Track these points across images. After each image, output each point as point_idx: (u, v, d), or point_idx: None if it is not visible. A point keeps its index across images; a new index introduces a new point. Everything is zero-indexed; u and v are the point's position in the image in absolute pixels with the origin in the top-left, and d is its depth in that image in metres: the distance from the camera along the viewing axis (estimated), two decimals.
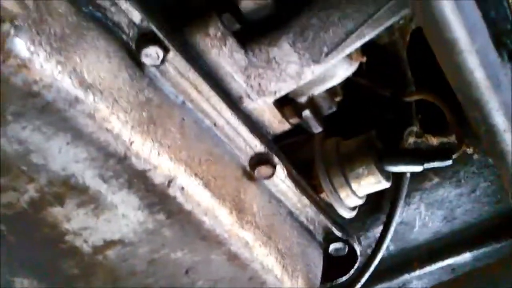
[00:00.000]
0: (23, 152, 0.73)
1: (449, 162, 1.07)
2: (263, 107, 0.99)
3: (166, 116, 0.84)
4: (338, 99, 1.12)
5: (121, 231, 0.86)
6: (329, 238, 1.18)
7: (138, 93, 0.80)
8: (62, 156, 0.75)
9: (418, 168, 1.10)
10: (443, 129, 1.25)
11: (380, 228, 1.41)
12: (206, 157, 0.90)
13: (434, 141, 1.24)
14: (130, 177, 0.80)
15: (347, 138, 1.18)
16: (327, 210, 1.14)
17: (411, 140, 1.22)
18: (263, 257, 0.98)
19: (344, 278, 1.25)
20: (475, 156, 1.31)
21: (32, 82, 0.67)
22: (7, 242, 0.83)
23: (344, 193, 1.11)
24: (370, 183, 1.11)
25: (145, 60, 0.79)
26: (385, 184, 1.12)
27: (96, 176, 0.78)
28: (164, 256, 0.93)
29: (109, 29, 0.78)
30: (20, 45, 0.65)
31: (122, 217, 0.85)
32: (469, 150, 1.10)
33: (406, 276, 1.54)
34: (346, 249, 1.18)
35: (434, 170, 1.37)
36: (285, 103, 1.03)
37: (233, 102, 0.94)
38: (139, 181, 0.81)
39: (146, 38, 0.79)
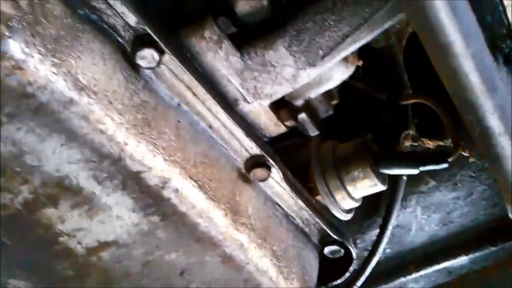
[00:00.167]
0: (17, 153, 0.73)
1: (445, 165, 1.07)
2: (258, 110, 0.99)
3: (161, 118, 0.84)
4: (334, 102, 1.12)
5: (115, 232, 0.87)
6: (325, 240, 1.18)
7: (133, 95, 0.80)
8: (56, 158, 0.75)
9: (414, 171, 1.10)
10: (439, 133, 1.25)
11: (377, 231, 1.41)
12: (201, 159, 0.90)
13: (430, 144, 1.24)
14: (125, 179, 0.80)
15: (343, 141, 1.18)
16: (322, 212, 1.14)
17: (407, 143, 1.22)
18: (258, 259, 0.99)
19: (339, 281, 1.25)
20: (472, 160, 1.31)
21: (26, 83, 0.67)
22: (1, 244, 0.83)
23: (339, 196, 1.11)
24: (366, 186, 1.11)
25: (141, 62, 0.80)
26: (381, 187, 1.12)
27: (90, 177, 0.79)
28: (159, 258, 0.93)
29: (105, 31, 0.78)
30: (15, 47, 0.66)
31: (116, 219, 0.85)
32: (466, 154, 1.10)
33: (403, 279, 1.54)
34: (342, 252, 1.18)
35: (431, 173, 1.38)
36: (281, 106, 1.03)
37: (228, 104, 0.94)
38: (133, 182, 0.81)
39: (141, 41, 0.79)
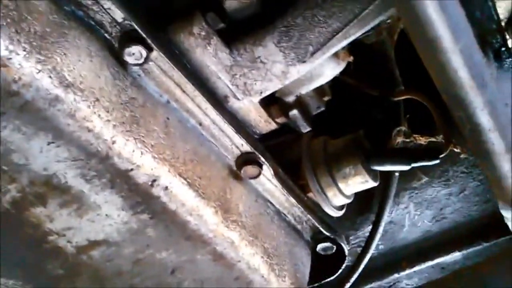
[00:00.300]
0: (3, 152, 0.72)
1: (437, 161, 1.07)
2: (248, 107, 0.98)
3: (150, 116, 0.83)
4: (326, 98, 1.12)
5: (105, 231, 0.86)
6: (317, 237, 1.18)
7: (121, 92, 0.79)
8: (44, 156, 0.74)
9: (405, 168, 1.10)
10: (431, 129, 1.25)
11: (370, 227, 1.41)
12: (191, 157, 0.89)
13: (422, 140, 1.24)
14: (113, 177, 0.79)
15: (335, 137, 1.18)
16: (314, 209, 1.14)
17: (399, 139, 1.22)
18: (249, 256, 0.98)
19: (332, 277, 1.24)
20: (464, 156, 1.32)
21: (11, 81, 0.66)
22: None
23: (331, 193, 1.11)
24: (357, 182, 1.10)
25: (128, 59, 0.79)
26: (372, 184, 1.11)
27: (78, 176, 0.78)
28: (149, 256, 0.92)
29: (91, 28, 0.77)
30: None
31: (106, 217, 0.84)
32: (457, 150, 1.10)
33: (396, 275, 1.54)
34: (334, 248, 1.18)
35: (423, 169, 1.38)
36: (271, 103, 1.02)
37: (218, 101, 0.94)
38: (122, 180, 0.80)
39: (129, 37, 0.78)
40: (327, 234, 1.16)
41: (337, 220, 1.22)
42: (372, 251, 1.39)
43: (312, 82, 1.01)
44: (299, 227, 1.16)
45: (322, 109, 1.11)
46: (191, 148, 0.90)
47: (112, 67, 0.79)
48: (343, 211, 1.19)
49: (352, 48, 0.99)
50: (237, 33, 0.90)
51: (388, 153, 1.15)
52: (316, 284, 1.25)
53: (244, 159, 0.98)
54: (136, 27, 0.77)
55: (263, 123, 1.02)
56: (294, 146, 1.14)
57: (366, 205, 1.46)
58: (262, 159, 0.99)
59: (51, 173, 0.76)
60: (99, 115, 0.74)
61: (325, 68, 0.99)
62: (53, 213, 0.81)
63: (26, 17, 0.68)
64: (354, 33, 0.87)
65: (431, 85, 0.80)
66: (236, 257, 0.96)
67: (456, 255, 1.48)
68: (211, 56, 0.88)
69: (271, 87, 0.93)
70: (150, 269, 0.94)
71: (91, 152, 0.76)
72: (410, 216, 1.46)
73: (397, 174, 1.32)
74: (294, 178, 1.10)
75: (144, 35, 0.78)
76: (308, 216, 1.13)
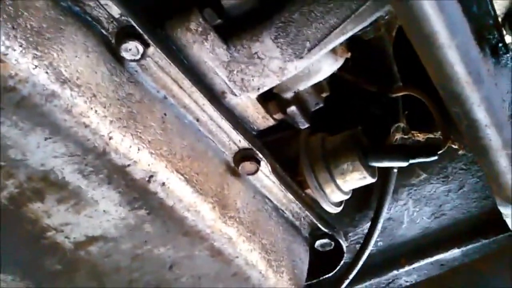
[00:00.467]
0: (1, 147, 0.72)
1: (435, 158, 1.07)
2: (246, 103, 0.98)
3: (147, 111, 0.84)
4: (324, 94, 1.12)
5: (102, 227, 0.86)
6: (315, 233, 1.18)
7: (118, 88, 0.79)
8: (41, 152, 0.74)
9: (403, 164, 1.10)
10: (429, 125, 1.24)
11: (369, 224, 1.41)
12: (188, 153, 0.89)
13: (421, 137, 1.24)
14: (110, 173, 0.79)
15: (333, 133, 1.18)
16: (312, 205, 1.14)
17: (398, 136, 1.22)
18: (247, 252, 0.98)
19: (330, 274, 1.25)
20: (463, 152, 1.31)
21: (7, 76, 0.66)
22: None
23: (329, 189, 1.11)
24: (355, 178, 1.10)
25: (125, 54, 0.79)
26: (370, 180, 1.11)
27: (75, 171, 0.78)
28: (147, 252, 0.92)
29: (88, 23, 0.77)
30: None
31: (104, 213, 0.84)
32: (455, 146, 1.10)
33: (395, 272, 1.54)
34: (332, 245, 1.18)
35: (422, 166, 1.38)
36: (269, 99, 1.02)
37: (215, 97, 0.94)
38: (119, 176, 0.80)
39: (125, 33, 0.78)
40: (325, 230, 1.16)
41: (336, 216, 1.22)
42: (370, 247, 1.39)
43: (310, 78, 1.01)
44: (297, 223, 1.16)
45: (321, 105, 1.10)
46: (188, 144, 0.90)
47: (109, 62, 0.79)
48: (341, 207, 1.19)
49: (350, 44, 0.99)
50: (234, 29, 0.89)
51: (386, 150, 1.15)
52: (314, 281, 1.26)
53: (242, 155, 0.98)
54: (133, 23, 0.77)
55: (260, 119, 1.02)
56: (292, 142, 1.14)
57: (365, 202, 1.46)
58: (260, 155, 0.99)
59: (48, 168, 0.76)
60: (95, 111, 0.74)
61: (323, 64, 0.98)
62: (51, 209, 0.81)
63: (23, 13, 0.68)
64: (352, 29, 0.87)
65: (429, 81, 0.80)
66: (233, 253, 0.97)
67: (455, 252, 1.48)
68: (208, 52, 0.88)
69: (268, 83, 0.93)
70: (148, 264, 0.94)
71: (88, 148, 0.76)
72: (409, 213, 1.46)
73: (395, 170, 1.32)
74: (292, 175, 1.10)
75: (141, 31, 0.78)
76: (306, 212, 1.13)
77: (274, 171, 1.03)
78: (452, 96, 0.76)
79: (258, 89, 0.93)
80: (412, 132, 1.25)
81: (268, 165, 1.01)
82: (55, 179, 0.78)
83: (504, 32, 0.92)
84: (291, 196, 1.09)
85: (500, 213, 1.04)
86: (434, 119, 1.10)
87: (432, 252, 1.49)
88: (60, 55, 0.71)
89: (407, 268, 1.52)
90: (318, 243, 1.18)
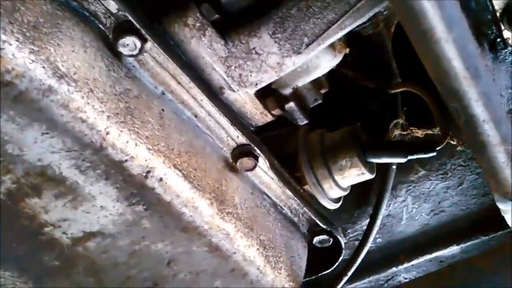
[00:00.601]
0: None
1: (433, 154, 1.07)
2: (244, 98, 0.98)
3: (145, 107, 0.83)
4: (323, 90, 1.11)
5: (100, 222, 0.86)
6: (314, 230, 1.18)
7: (115, 83, 0.79)
8: (38, 147, 0.74)
9: (401, 160, 1.10)
10: (428, 121, 1.24)
11: (368, 220, 1.41)
12: (186, 149, 0.89)
13: (419, 133, 1.24)
14: (107, 168, 0.79)
15: (332, 130, 1.17)
16: (311, 202, 1.14)
17: (396, 132, 1.22)
18: (244, 248, 0.98)
19: (329, 270, 1.25)
20: (461, 148, 1.31)
21: (4, 71, 0.66)
22: None
23: (327, 185, 1.11)
24: (353, 174, 1.10)
25: (122, 50, 0.79)
26: (368, 176, 1.11)
27: (72, 166, 0.78)
28: (145, 248, 0.92)
29: (85, 18, 0.77)
30: None
31: (101, 209, 0.84)
32: (454, 142, 1.10)
33: (394, 269, 1.55)
34: (331, 241, 1.18)
35: (421, 162, 1.37)
36: (267, 95, 1.02)
37: (213, 93, 0.94)
38: (116, 172, 0.80)
39: (123, 28, 0.78)
40: (324, 226, 1.16)
41: (335, 213, 1.22)
42: (369, 244, 1.39)
43: (309, 74, 1.01)
44: (295, 219, 1.16)
45: (319, 101, 1.10)
46: (186, 140, 0.90)
47: (107, 58, 0.79)
48: (340, 203, 1.19)
49: (348, 40, 0.99)
50: (232, 24, 0.89)
51: (384, 146, 1.15)
52: (313, 277, 1.26)
53: (240, 151, 0.98)
54: (130, 18, 0.77)
55: (259, 115, 1.02)
56: (290, 138, 1.14)
57: (364, 198, 1.46)
58: (258, 151, 0.99)
59: (45, 164, 0.76)
60: (93, 106, 0.74)
61: (321, 60, 0.98)
62: (49, 204, 0.81)
63: (19, 8, 0.68)
64: (350, 25, 0.87)
65: (428, 78, 0.80)
66: (231, 249, 0.97)
67: (454, 249, 1.48)
68: (206, 47, 0.88)
69: (266, 79, 0.93)
70: (146, 260, 0.94)
71: (85, 143, 0.76)
72: (408, 209, 1.46)
73: (394, 167, 1.32)
74: (290, 171, 1.10)
75: (138, 26, 0.78)
76: (305, 208, 1.13)
77: (272, 167, 1.03)
78: (449, 92, 0.76)
79: (256, 84, 0.93)
80: (411, 128, 1.25)
81: (266, 161, 1.01)
82: (52, 175, 0.78)
83: (503, 27, 0.91)
84: (289, 192, 1.09)
85: (499, 210, 1.03)
86: (433, 115, 1.10)
87: (431, 249, 1.49)
88: (57, 50, 0.71)
89: (406, 265, 1.52)
90: (316, 239, 1.18)
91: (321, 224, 1.16)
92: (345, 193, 1.16)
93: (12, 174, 0.76)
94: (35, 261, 0.89)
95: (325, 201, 1.13)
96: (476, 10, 0.75)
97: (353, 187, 1.19)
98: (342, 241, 1.18)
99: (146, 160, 0.81)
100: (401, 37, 1.14)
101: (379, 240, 1.52)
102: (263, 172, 1.04)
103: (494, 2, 0.78)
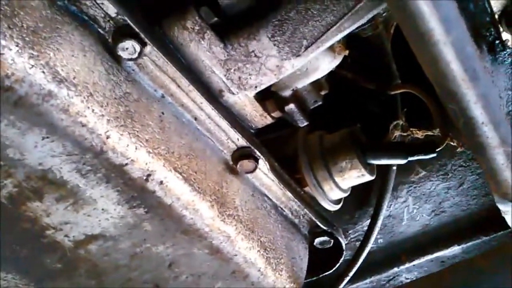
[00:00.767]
0: None
1: (433, 155, 1.07)
2: (244, 101, 0.98)
3: (145, 110, 0.84)
4: (323, 92, 1.12)
5: (101, 225, 0.86)
6: (314, 231, 1.18)
7: (115, 87, 0.79)
8: (39, 151, 0.74)
9: (401, 162, 1.10)
10: (428, 122, 1.25)
11: (369, 221, 1.41)
12: (186, 152, 0.90)
13: (419, 134, 1.24)
14: (108, 172, 0.80)
15: (332, 131, 1.18)
16: (311, 203, 1.14)
17: (396, 133, 1.22)
18: (245, 250, 0.98)
19: (330, 272, 1.25)
20: (462, 149, 1.31)
21: (3, 76, 0.67)
22: None
23: (327, 187, 1.11)
24: (353, 176, 1.10)
25: (122, 54, 0.79)
26: (368, 177, 1.12)
27: (73, 170, 0.78)
28: (146, 250, 0.93)
29: (85, 22, 0.77)
30: None
31: (102, 212, 0.84)
32: (453, 143, 1.10)
33: (395, 269, 1.55)
34: (332, 242, 1.18)
35: (421, 163, 1.38)
36: (267, 97, 1.02)
37: (213, 96, 0.94)
38: (117, 175, 0.80)
39: (122, 32, 0.78)
40: (324, 228, 1.16)
41: (336, 214, 1.22)
42: (371, 245, 1.39)
43: (308, 76, 1.01)
44: (296, 221, 1.16)
45: (319, 103, 1.10)
46: (186, 143, 0.90)
47: (106, 62, 0.79)
48: (340, 205, 1.19)
49: (348, 41, 0.99)
50: (231, 27, 0.90)
51: (384, 147, 1.15)
52: (314, 278, 1.26)
53: (240, 154, 0.98)
54: (129, 21, 0.77)
55: (258, 117, 1.02)
56: (290, 140, 1.15)
57: (365, 199, 1.46)
58: (258, 153, 0.99)
59: (46, 168, 0.76)
60: (93, 110, 0.75)
61: (321, 62, 0.99)
62: (50, 208, 0.82)
63: (19, 12, 0.68)
64: (349, 27, 0.87)
65: (427, 79, 0.80)
66: (232, 251, 0.97)
67: (455, 249, 1.48)
68: (205, 51, 0.88)
69: (266, 81, 0.93)
70: (147, 263, 0.95)
71: (86, 147, 0.76)
72: (408, 210, 1.46)
73: (394, 168, 1.32)
74: (290, 172, 1.10)
75: (137, 30, 0.78)
76: (305, 210, 1.13)
77: (272, 169, 1.04)
78: (448, 94, 0.76)
79: (256, 87, 0.93)
80: (411, 129, 1.26)
81: (267, 163, 1.01)
82: (53, 178, 0.78)
83: (501, 29, 0.91)
84: (289, 194, 1.09)
85: (499, 210, 1.03)
86: (433, 117, 1.10)
87: (432, 249, 1.49)
88: (56, 54, 0.71)
89: (407, 265, 1.53)
90: (317, 240, 1.18)
91: (321, 226, 1.16)
92: (345, 195, 1.16)
93: (13, 178, 0.77)
94: (37, 264, 0.90)
95: (325, 203, 1.13)
96: (475, 12, 0.75)
97: (354, 188, 1.20)
98: (343, 242, 1.18)
99: (146, 164, 0.82)
100: (401, 39, 1.15)
101: (380, 240, 1.52)
102: (264, 174, 1.05)
103: (493, 4, 0.78)
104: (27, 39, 0.68)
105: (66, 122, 0.73)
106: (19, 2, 0.68)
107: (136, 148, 0.80)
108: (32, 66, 0.68)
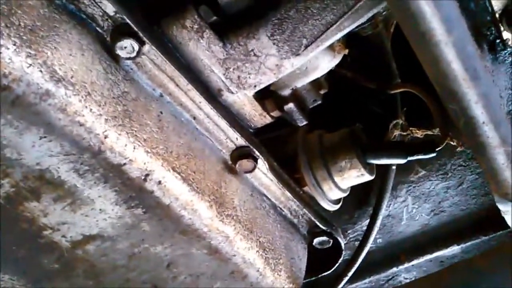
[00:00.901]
0: None
1: (433, 154, 1.07)
2: (243, 100, 0.98)
3: (143, 110, 0.83)
4: (323, 91, 1.11)
5: (99, 225, 0.86)
6: (313, 231, 1.18)
7: (113, 86, 0.79)
8: (36, 151, 0.74)
9: (401, 161, 1.09)
10: (428, 122, 1.24)
11: (368, 221, 1.41)
12: (184, 151, 0.89)
13: (419, 133, 1.24)
14: (106, 171, 0.79)
15: (331, 131, 1.17)
16: (310, 203, 1.14)
17: (396, 133, 1.22)
18: (244, 251, 0.98)
19: (329, 272, 1.24)
20: (461, 149, 1.31)
21: (1, 75, 0.66)
22: None
23: (326, 186, 1.11)
24: (353, 176, 1.10)
25: (120, 53, 0.79)
26: (368, 177, 1.11)
27: (71, 170, 0.78)
28: (145, 251, 0.92)
29: (83, 21, 0.77)
30: None
31: (100, 212, 0.84)
32: (453, 143, 1.10)
33: (394, 269, 1.55)
34: (331, 242, 1.18)
35: (421, 163, 1.37)
36: (266, 96, 1.02)
37: (212, 95, 0.94)
38: (115, 175, 0.80)
39: (120, 31, 0.78)
40: (323, 228, 1.16)
41: (335, 213, 1.22)
42: (370, 244, 1.39)
43: (308, 75, 1.01)
44: (295, 221, 1.16)
45: (319, 102, 1.10)
46: (185, 142, 0.90)
47: (104, 61, 0.79)
48: (339, 205, 1.19)
49: (348, 40, 0.99)
50: (230, 26, 0.89)
51: (384, 147, 1.15)
52: (313, 278, 1.26)
53: (239, 153, 0.98)
54: (128, 20, 0.77)
55: (257, 116, 1.02)
56: (289, 140, 1.14)
57: (364, 199, 1.46)
58: (257, 153, 0.98)
59: (44, 167, 0.76)
60: (90, 109, 0.74)
61: (320, 61, 0.98)
62: (47, 208, 0.81)
63: (16, 11, 0.68)
64: (348, 26, 0.86)
65: (427, 78, 0.80)
66: (231, 251, 0.96)
67: (454, 249, 1.48)
68: (204, 49, 0.87)
69: (265, 81, 0.92)
70: (145, 263, 0.94)
71: (83, 147, 0.76)
72: (408, 210, 1.46)
73: (394, 167, 1.32)
74: (289, 172, 1.10)
75: (136, 29, 0.77)
76: (304, 210, 1.13)
77: (271, 168, 1.03)
78: (449, 93, 0.75)
79: (255, 86, 0.93)
80: (411, 129, 1.25)
81: (266, 162, 1.01)
82: (51, 178, 0.77)
83: (502, 28, 0.91)
84: (289, 194, 1.08)
85: (499, 210, 1.03)
86: (433, 116, 1.10)
87: (432, 249, 1.49)
88: (54, 53, 0.71)
89: (406, 265, 1.52)
90: (316, 240, 1.18)
91: (321, 226, 1.15)
92: (344, 195, 1.15)
93: (11, 178, 0.76)
94: (35, 264, 0.89)
95: (324, 203, 1.13)
96: (475, 11, 0.74)
97: (353, 187, 1.19)
98: (342, 242, 1.17)
99: (144, 163, 0.81)
100: (401, 38, 1.14)
101: (379, 240, 1.52)
102: (263, 174, 1.04)
103: (493, 3, 0.78)
104: (24, 38, 0.68)
105: (63, 121, 0.72)
106: (16, 1, 0.68)
107: (134, 148, 0.80)
108: (30, 65, 0.68)
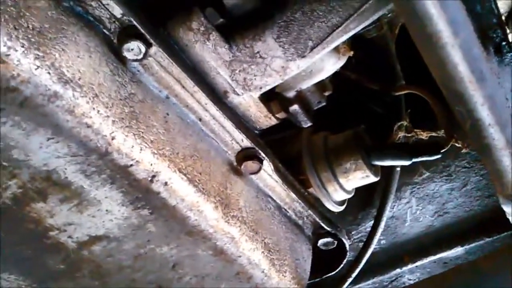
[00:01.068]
0: (4, 147, 0.72)
1: (438, 156, 1.07)
2: (248, 102, 0.98)
3: (149, 111, 0.83)
4: (327, 93, 1.11)
5: (105, 226, 0.86)
6: (318, 232, 1.18)
7: (120, 88, 0.79)
8: (43, 152, 0.74)
9: (406, 163, 1.09)
10: (433, 123, 1.24)
11: (372, 222, 1.41)
12: (190, 152, 0.89)
13: (424, 135, 1.24)
14: (113, 173, 0.80)
15: (336, 132, 1.17)
16: (315, 204, 1.14)
17: (401, 134, 1.22)
18: (249, 252, 0.98)
19: (333, 273, 1.24)
20: (466, 150, 1.31)
21: (9, 77, 0.66)
22: None
23: (331, 188, 1.11)
24: (358, 177, 1.10)
25: (127, 54, 0.79)
26: (373, 179, 1.11)
27: (78, 171, 0.78)
28: (150, 252, 0.93)
29: (90, 23, 0.77)
30: None
31: (106, 213, 0.84)
32: (458, 145, 1.10)
33: (398, 270, 1.55)
34: (335, 243, 1.18)
35: (425, 164, 1.37)
36: (271, 98, 1.02)
37: (218, 97, 0.94)
38: (121, 176, 0.80)
39: (127, 33, 0.78)
40: (328, 229, 1.16)
41: (339, 215, 1.22)
42: (374, 246, 1.39)
43: (313, 77, 1.01)
44: (300, 222, 1.16)
45: (323, 104, 1.10)
46: (191, 144, 0.90)
47: (111, 63, 0.79)
48: (344, 206, 1.19)
49: (353, 42, 0.99)
50: (236, 28, 0.89)
51: (389, 148, 1.15)
52: (317, 279, 1.26)
53: (245, 155, 0.98)
54: (134, 22, 0.77)
55: (263, 118, 1.02)
56: (294, 141, 1.14)
57: (368, 200, 1.46)
58: (263, 154, 0.99)
59: (51, 168, 0.76)
60: (98, 111, 0.74)
61: (325, 63, 0.98)
62: (54, 209, 0.81)
63: (24, 13, 0.68)
64: (354, 28, 0.87)
65: (432, 80, 0.80)
66: (236, 252, 0.97)
67: (458, 250, 1.48)
68: (210, 51, 0.88)
69: (270, 82, 0.93)
70: (151, 264, 0.95)
71: (91, 148, 0.76)
72: (412, 211, 1.46)
73: (398, 169, 1.32)
74: (294, 173, 1.10)
75: (142, 31, 0.78)
76: (309, 211, 1.13)
77: (276, 170, 1.03)
78: (455, 95, 0.76)
79: (261, 88, 0.93)
80: (415, 130, 1.25)
81: (271, 164, 1.01)
82: (58, 179, 0.78)
83: (508, 31, 0.91)
84: (293, 195, 1.09)
85: (503, 212, 1.03)
86: (437, 118, 1.10)
87: (435, 251, 1.49)
88: (62, 55, 0.71)
89: (410, 266, 1.52)
90: (321, 242, 1.18)
91: (325, 227, 1.16)
92: (349, 196, 1.16)
93: (18, 179, 0.77)
94: (40, 265, 0.90)
95: (329, 204, 1.13)
96: (481, 13, 0.74)
97: (357, 189, 1.19)
98: (347, 243, 1.18)
99: (151, 165, 0.81)
100: (405, 39, 1.15)
101: (383, 241, 1.52)
102: (268, 175, 1.04)
103: (500, 6, 0.78)
104: (32, 40, 0.68)
105: (71, 123, 0.73)
106: (25, 3, 0.68)
107: (141, 149, 0.80)
108: (38, 67, 0.68)
